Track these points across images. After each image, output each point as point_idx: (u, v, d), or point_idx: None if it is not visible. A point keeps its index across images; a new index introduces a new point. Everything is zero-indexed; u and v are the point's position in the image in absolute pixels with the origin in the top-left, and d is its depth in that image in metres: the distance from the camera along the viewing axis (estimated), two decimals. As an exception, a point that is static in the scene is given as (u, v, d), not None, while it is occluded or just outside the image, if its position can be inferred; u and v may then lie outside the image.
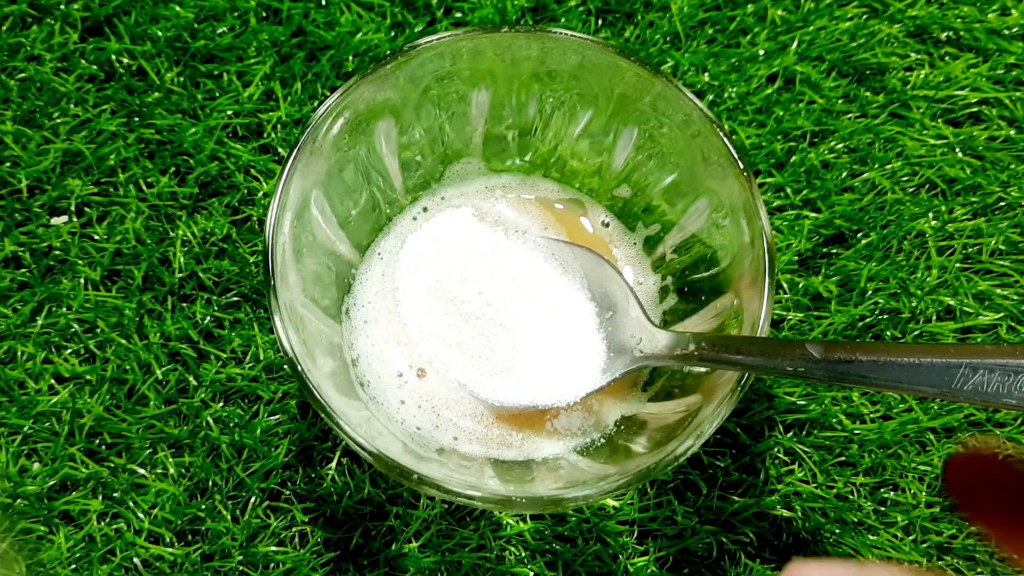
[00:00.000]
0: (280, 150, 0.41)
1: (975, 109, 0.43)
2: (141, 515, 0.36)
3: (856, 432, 0.38)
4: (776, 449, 0.38)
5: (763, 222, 0.30)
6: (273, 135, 0.41)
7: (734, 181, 0.31)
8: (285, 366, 0.38)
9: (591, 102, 0.35)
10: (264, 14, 0.43)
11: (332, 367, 0.33)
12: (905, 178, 0.42)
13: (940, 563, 0.36)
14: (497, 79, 0.35)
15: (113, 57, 0.42)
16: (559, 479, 0.32)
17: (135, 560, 0.35)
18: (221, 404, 0.38)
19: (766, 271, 0.30)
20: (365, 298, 0.36)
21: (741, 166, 0.31)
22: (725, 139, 0.31)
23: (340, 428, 0.28)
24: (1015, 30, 0.44)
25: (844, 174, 0.42)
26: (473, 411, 0.35)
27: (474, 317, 0.36)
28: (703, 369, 0.32)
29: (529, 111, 0.36)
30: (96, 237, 0.40)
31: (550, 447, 0.34)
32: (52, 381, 0.38)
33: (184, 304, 0.39)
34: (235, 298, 0.39)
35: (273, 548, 0.36)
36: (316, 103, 0.42)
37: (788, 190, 0.41)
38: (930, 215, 0.41)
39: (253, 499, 0.36)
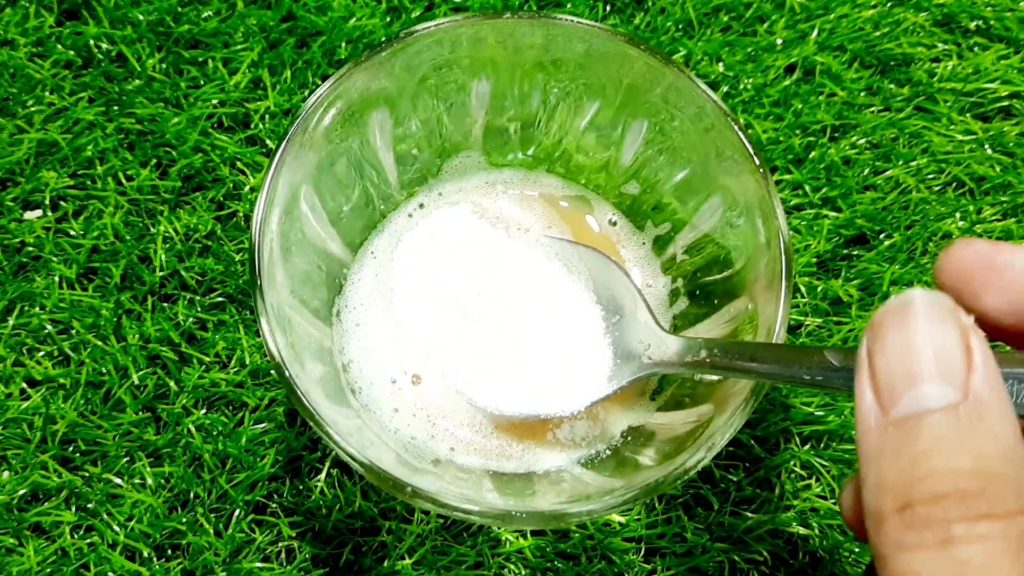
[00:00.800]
0: (268, 142, 0.41)
1: (1005, 103, 0.42)
2: (117, 528, 0.35)
3: (877, 445, 0.37)
4: (792, 462, 0.37)
5: (780, 221, 0.30)
6: (261, 126, 0.40)
7: (749, 178, 0.31)
8: (272, 371, 0.37)
9: (598, 93, 0.35)
10: (253, -3, 0.42)
11: (322, 372, 0.32)
12: (931, 176, 0.41)
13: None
14: (498, 68, 0.34)
15: (91, 42, 0.41)
16: (562, 493, 0.31)
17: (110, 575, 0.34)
18: (204, 411, 0.37)
19: (783, 273, 0.29)
20: (357, 299, 0.36)
21: (757, 162, 0.30)
22: (740, 133, 0.31)
23: (329, 437, 0.27)
24: (1048, 19, 0.43)
25: (866, 171, 0.41)
26: (471, 420, 0.34)
27: (473, 320, 0.35)
28: (715, 377, 0.31)
29: (532, 102, 0.36)
30: (72, 233, 0.39)
31: (552, 459, 0.34)
32: (23, 385, 0.36)
33: (165, 304, 0.38)
34: (219, 298, 0.38)
35: (258, 564, 0.35)
36: (306, 92, 0.41)
37: (807, 188, 0.40)
38: (957, 215, 0.40)
39: (237, 512, 0.35)
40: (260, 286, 0.28)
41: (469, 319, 0.35)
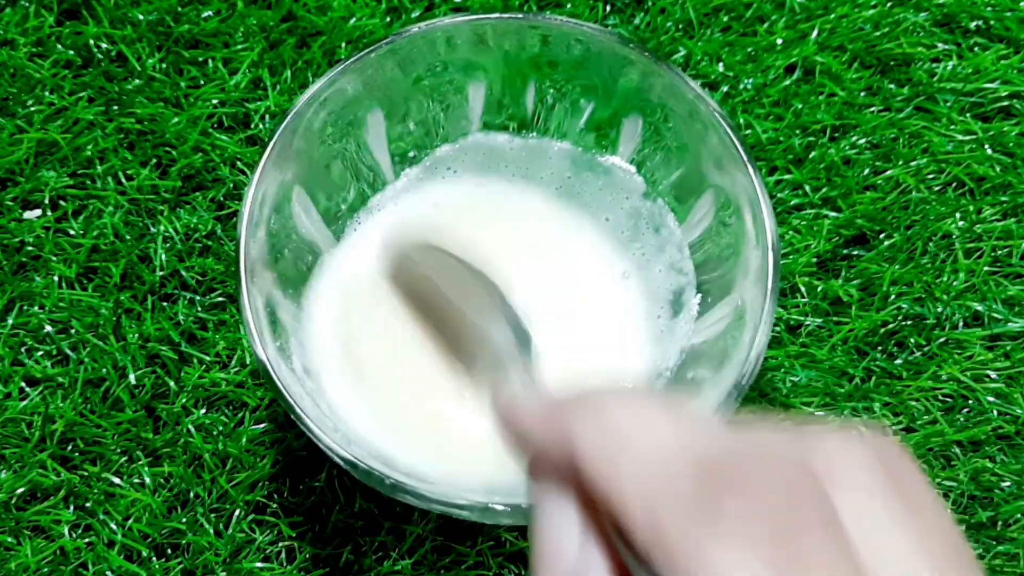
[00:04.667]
0: (268, 142, 0.40)
1: (1006, 103, 0.42)
2: (115, 527, 0.34)
3: (877, 445, 0.36)
4: None
5: (767, 219, 0.29)
6: (261, 126, 0.40)
7: (740, 176, 0.31)
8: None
9: (594, 94, 0.34)
10: (253, -3, 0.42)
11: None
12: (931, 176, 0.40)
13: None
14: (494, 69, 0.34)
15: (91, 42, 0.41)
16: None
17: (108, 575, 0.34)
18: (204, 410, 0.36)
19: (769, 270, 0.29)
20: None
21: (747, 161, 0.30)
22: (730, 132, 0.31)
23: (311, 432, 0.27)
24: (1048, 19, 0.43)
25: (866, 171, 0.40)
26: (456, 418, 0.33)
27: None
28: (706, 373, 0.31)
29: (529, 103, 0.35)
30: (72, 232, 0.38)
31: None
32: (22, 384, 0.36)
33: (165, 304, 0.38)
34: (220, 298, 0.38)
35: (259, 564, 0.34)
36: (306, 92, 0.41)
37: (807, 188, 0.40)
38: (957, 215, 0.40)
39: (237, 512, 0.35)
40: (244, 284, 0.28)
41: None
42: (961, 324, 0.38)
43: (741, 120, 0.41)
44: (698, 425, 0.15)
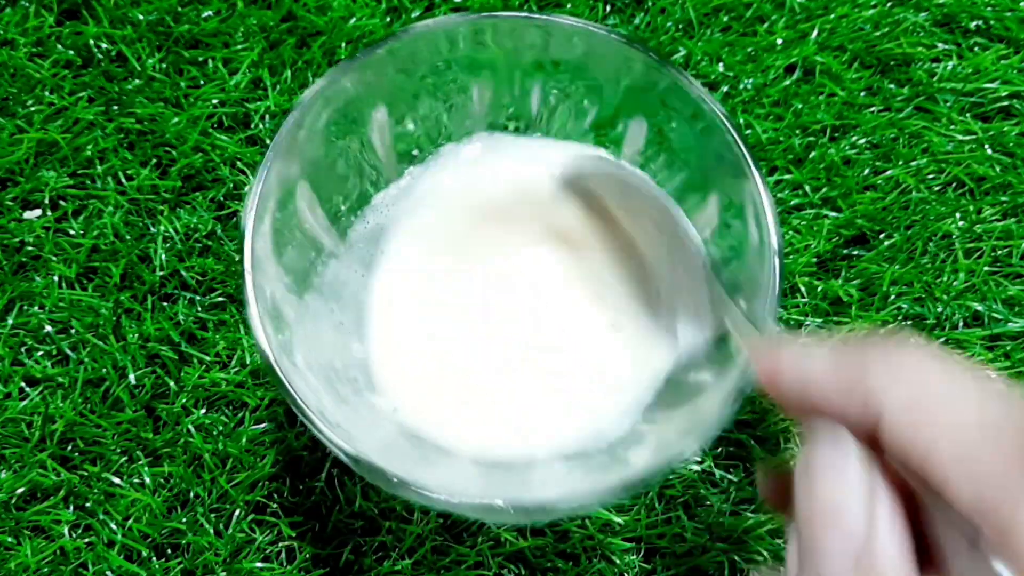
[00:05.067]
0: (268, 142, 0.40)
1: (1006, 103, 0.42)
2: (115, 527, 0.34)
3: (877, 445, 0.36)
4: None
5: (770, 223, 0.29)
6: (261, 126, 0.40)
7: (743, 179, 0.30)
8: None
9: (598, 94, 0.34)
10: (253, -3, 0.42)
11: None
12: (931, 176, 0.40)
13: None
14: (497, 68, 0.34)
15: (91, 42, 0.41)
16: (550, 488, 0.31)
17: (108, 575, 0.34)
18: (204, 410, 0.36)
19: (772, 274, 0.29)
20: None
21: (752, 165, 0.30)
22: (734, 134, 0.30)
23: (314, 426, 0.27)
24: (1048, 20, 0.42)
25: (866, 171, 0.40)
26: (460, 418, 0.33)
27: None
28: (708, 377, 0.31)
29: (532, 103, 0.35)
30: (72, 232, 0.38)
31: (543, 455, 0.33)
32: (22, 384, 0.36)
33: (165, 304, 0.38)
34: (220, 298, 0.38)
35: (259, 564, 0.34)
36: (307, 92, 0.41)
37: (807, 188, 0.40)
38: (957, 215, 0.40)
39: (237, 512, 0.35)
40: (249, 276, 0.28)
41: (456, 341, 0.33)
42: (961, 324, 0.38)
43: (741, 120, 0.41)
44: (1008, 392, 0.15)
